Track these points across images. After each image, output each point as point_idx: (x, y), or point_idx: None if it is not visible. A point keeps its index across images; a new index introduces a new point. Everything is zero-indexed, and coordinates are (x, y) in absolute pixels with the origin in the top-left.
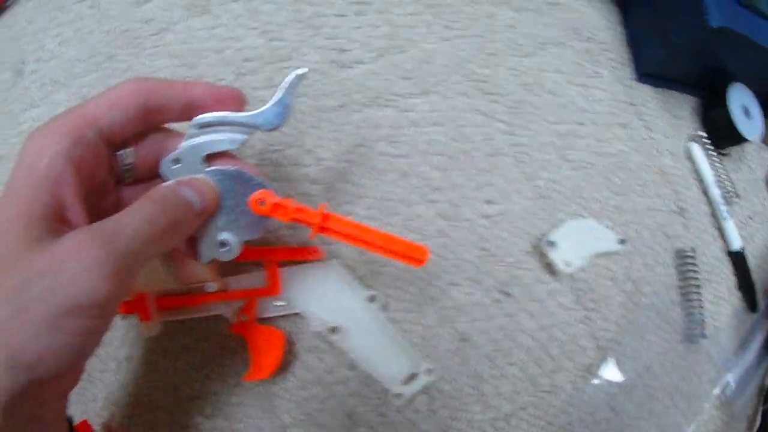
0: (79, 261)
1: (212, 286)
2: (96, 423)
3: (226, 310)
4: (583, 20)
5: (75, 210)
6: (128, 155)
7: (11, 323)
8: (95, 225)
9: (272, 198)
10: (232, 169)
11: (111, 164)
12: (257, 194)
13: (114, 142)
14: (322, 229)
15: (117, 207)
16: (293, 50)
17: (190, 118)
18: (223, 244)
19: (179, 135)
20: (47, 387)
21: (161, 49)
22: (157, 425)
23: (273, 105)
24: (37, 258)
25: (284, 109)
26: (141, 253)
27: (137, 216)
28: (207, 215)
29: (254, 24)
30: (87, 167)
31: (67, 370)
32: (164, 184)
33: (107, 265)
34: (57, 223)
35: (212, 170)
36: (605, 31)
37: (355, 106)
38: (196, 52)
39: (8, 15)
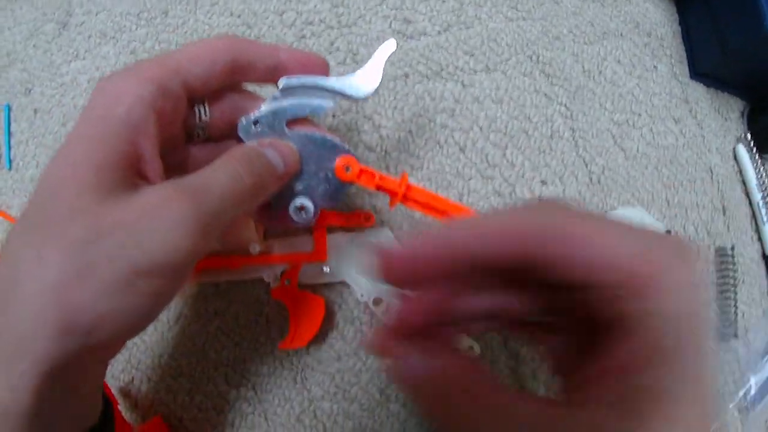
0: (163, 217)
1: (256, 248)
2: (114, 387)
3: (267, 273)
4: (644, 15)
5: (153, 163)
6: (205, 112)
7: (73, 281)
8: (179, 180)
9: (357, 165)
10: (317, 134)
11: (187, 119)
12: (342, 160)
13: (195, 96)
14: (405, 198)
15: (184, 165)
16: (359, 17)
17: (273, 81)
18: (299, 209)
19: (257, 98)
20: (96, 354)
21: (220, 6)
22: (178, 391)
23: (364, 73)
24: (109, 210)
25: (375, 79)
26: (226, 213)
27: (224, 174)
28: (288, 178)
29: None
30: (167, 118)
31: (125, 336)
32: (246, 144)
33: (193, 224)
34: (133, 175)
35: (296, 134)
36: (664, 28)
37: (418, 77)
38: (257, 12)
39: None
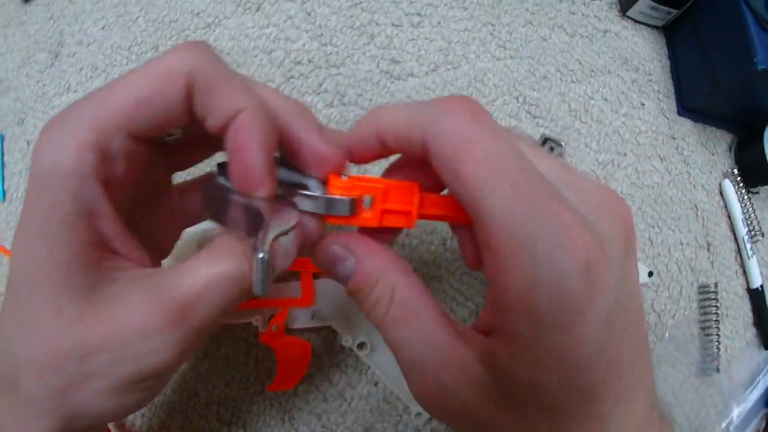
0: (146, 339)
1: None
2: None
3: (256, 318)
4: (632, 50)
5: (121, 239)
6: (176, 133)
7: (69, 388)
8: (163, 283)
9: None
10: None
11: (153, 155)
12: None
13: (147, 134)
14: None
15: (164, 195)
16: (347, 57)
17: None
18: None
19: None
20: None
21: (210, 43)
22: (171, 427)
23: None
24: (93, 319)
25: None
26: (219, 319)
27: (220, 275)
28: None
29: (307, 26)
30: (122, 180)
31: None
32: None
33: (180, 343)
34: (104, 258)
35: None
36: (652, 63)
37: None
38: (246, 50)
39: None
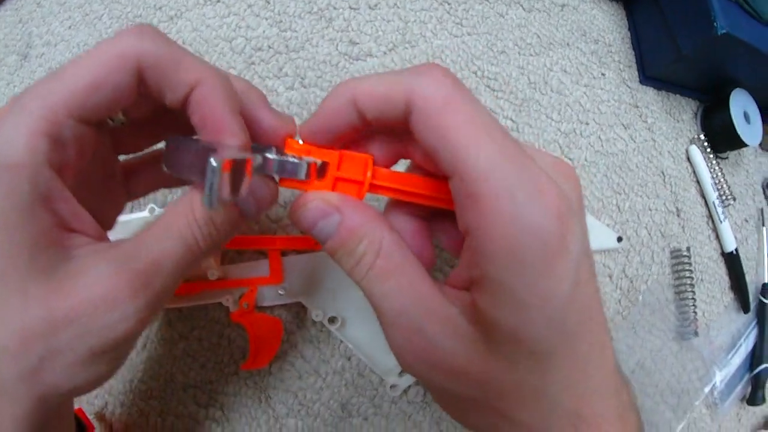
0: (110, 309)
1: (214, 274)
2: (89, 411)
3: (226, 298)
4: (591, 22)
5: (79, 218)
6: (117, 119)
7: (40, 368)
8: (121, 255)
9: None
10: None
11: (100, 137)
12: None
13: (97, 118)
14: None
15: (114, 172)
16: (305, 41)
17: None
18: None
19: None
20: (66, 404)
21: (172, 36)
22: (150, 414)
23: None
24: (57, 296)
25: None
26: (177, 283)
27: (178, 245)
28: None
29: (267, 14)
30: (73, 162)
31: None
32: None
33: (144, 309)
34: (66, 239)
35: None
36: (612, 34)
37: None
38: (208, 40)
39: None
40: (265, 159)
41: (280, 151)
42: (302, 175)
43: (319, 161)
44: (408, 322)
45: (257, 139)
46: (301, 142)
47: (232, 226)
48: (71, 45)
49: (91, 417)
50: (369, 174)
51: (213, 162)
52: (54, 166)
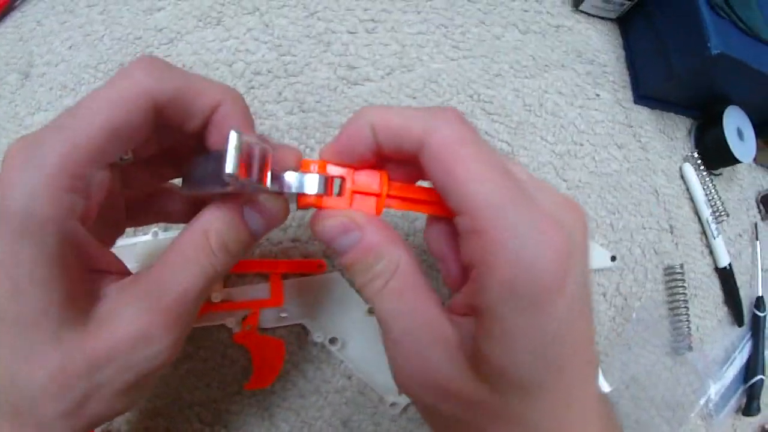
0: (147, 345)
1: (217, 297)
2: (98, 429)
3: (229, 320)
4: (586, 43)
5: (103, 258)
6: (126, 153)
7: (83, 404)
8: (151, 290)
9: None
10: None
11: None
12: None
13: (115, 158)
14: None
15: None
16: (304, 65)
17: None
18: None
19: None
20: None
21: (172, 58)
22: (156, 431)
23: None
24: (95, 339)
25: None
26: (199, 309)
27: (197, 274)
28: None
29: (266, 38)
30: (94, 205)
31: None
32: (225, 208)
33: (176, 342)
34: (93, 281)
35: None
36: (607, 54)
37: None
38: (208, 63)
39: (17, 15)
40: (282, 178)
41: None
42: (320, 189)
43: (336, 179)
44: (412, 342)
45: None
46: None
47: (244, 248)
48: (72, 66)
49: None
50: (385, 186)
51: (234, 131)
52: (77, 216)
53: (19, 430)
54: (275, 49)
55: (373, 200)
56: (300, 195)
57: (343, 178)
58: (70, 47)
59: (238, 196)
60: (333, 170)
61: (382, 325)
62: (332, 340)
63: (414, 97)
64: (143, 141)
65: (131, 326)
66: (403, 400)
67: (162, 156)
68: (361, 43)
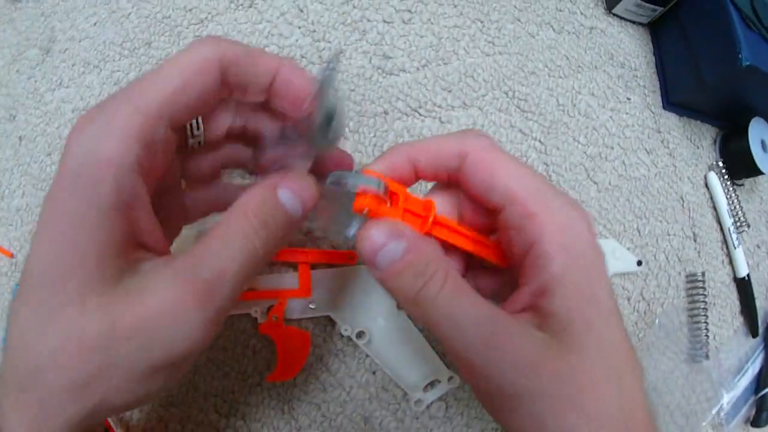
0: (177, 321)
1: None
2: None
3: (254, 309)
4: (618, 46)
5: (151, 232)
6: (198, 125)
7: (95, 380)
8: (187, 266)
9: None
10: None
11: (177, 147)
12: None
13: (183, 122)
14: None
15: (177, 182)
16: (339, 52)
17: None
18: None
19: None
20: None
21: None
22: (171, 421)
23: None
24: (120, 308)
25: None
26: (239, 294)
27: (238, 253)
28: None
29: (300, 22)
30: (157, 170)
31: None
32: (260, 189)
33: (209, 322)
34: (133, 250)
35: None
36: (638, 59)
37: (397, 113)
38: None
39: None
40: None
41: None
42: (381, 189)
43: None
44: (483, 331)
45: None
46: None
47: (283, 227)
48: (96, 42)
49: (112, 421)
50: (433, 211)
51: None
52: (142, 171)
53: (22, 405)
54: (309, 35)
55: (419, 221)
56: (359, 193)
57: (397, 194)
58: (95, 24)
59: (272, 179)
60: (390, 183)
61: (443, 329)
62: (359, 334)
63: (449, 90)
64: (214, 103)
65: (160, 299)
66: (429, 397)
67: (226, 140)
68: (396, 33)
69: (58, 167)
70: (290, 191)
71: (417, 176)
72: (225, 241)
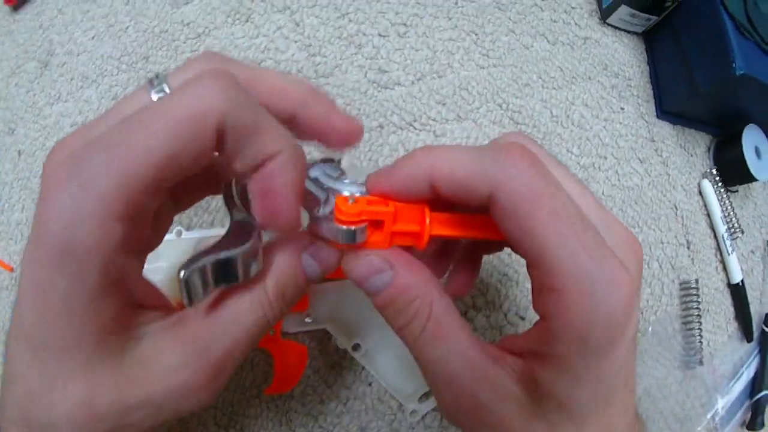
0: (187, 397)
1: None
2: None
3: None
4: (612, 56)
5: (147, 292)
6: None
7: None
8: (198, 341)
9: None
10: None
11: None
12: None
13: (171, 185)
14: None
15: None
16: (335, 67)
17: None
18: None
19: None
20: None
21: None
22: None
23: None
24: (131, 382)
25: None
26: (247, 355)
27: (249, 325)
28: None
29: (296, 37)
30: (144, 231)
31: None
32: (285, 257)
33: (217, 390)
34: (133, 316)
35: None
36: (632, 68)
37: (392, 127)
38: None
39: (37, 2)
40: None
41: (357, 185)
42: (361, 239)
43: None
44: (458, 386)
45: (328, 142)
46: (357, 194)
47: (299, 294)
48: (94, 56)
49: None
50: (427, 223)
51: (181, 274)
52: (128, 243)
53: None
54: (305, 49)
55: (412, 237)
56: (339, 209)
57: (383, 221)
58: (93, 37)
59: (298, 243)
60: (373, 208)
61: (423, 370)
62: (355, 347)
63: (444, 104)
64: (204, 166)
65: (173, 377)
66: (424, 408)
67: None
68: (392, 47)
69: (36, 230)
70: (313, 258)
71: (436, 195)
72: (238, 313)
